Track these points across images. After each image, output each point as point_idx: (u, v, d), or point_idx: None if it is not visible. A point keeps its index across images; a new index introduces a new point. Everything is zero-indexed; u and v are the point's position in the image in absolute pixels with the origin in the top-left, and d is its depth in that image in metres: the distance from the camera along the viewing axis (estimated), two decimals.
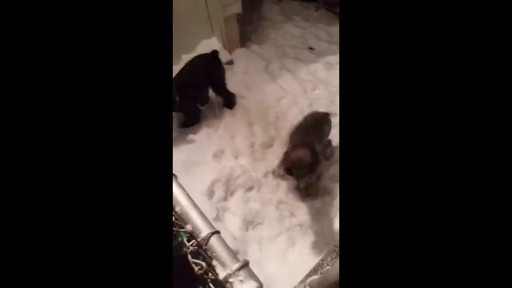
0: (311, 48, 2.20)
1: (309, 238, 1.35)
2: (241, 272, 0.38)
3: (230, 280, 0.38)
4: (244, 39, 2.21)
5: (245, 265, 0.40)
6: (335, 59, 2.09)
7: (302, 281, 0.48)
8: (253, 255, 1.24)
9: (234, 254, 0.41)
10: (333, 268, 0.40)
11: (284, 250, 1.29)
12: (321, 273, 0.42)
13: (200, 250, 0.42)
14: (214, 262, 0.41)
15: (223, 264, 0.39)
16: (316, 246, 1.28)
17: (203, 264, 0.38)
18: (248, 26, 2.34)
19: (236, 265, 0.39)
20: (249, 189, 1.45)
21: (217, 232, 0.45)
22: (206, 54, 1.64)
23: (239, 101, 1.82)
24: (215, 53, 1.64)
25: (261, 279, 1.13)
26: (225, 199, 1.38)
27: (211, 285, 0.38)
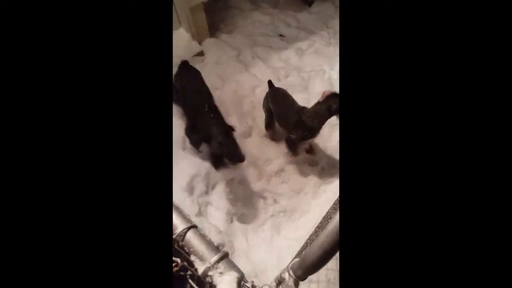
0: (281, 35, 2.18)
1: (294, 222, 1.38)
2: (220, 264, 0.37)
3: (210, 273, 0.37)
4: (213, 29, 2.13)
5: (224, 256, 0.38)
6: (305, 45, 2.09)
7: (287, 266, 0.49)
8: (239, 246, 1.25)
9: (212, 246, 0.40)
10: (311, 249, 0.40)
11: (270, 238, 1.31)
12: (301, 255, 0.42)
13: (176, 247, 0.40)
14: (192, 257, 0.39)
15: (201, 258, 0.38)
16: (300, 229, 1.31)
17: (178, 260, 0.36)
18: (215, 15, 2.26)
19: (214, 258, 0.37)
20: (231, 180, 1.44)
21: (194, 226, 0.43)
22: (188, 69, 1.50)
23: (213, 92, 1.77)
24: (185, 62, 1.53)
25: (249, 268, 1.13)
26: (206, 193, 1.35)
27: (190, 281, 0.36)
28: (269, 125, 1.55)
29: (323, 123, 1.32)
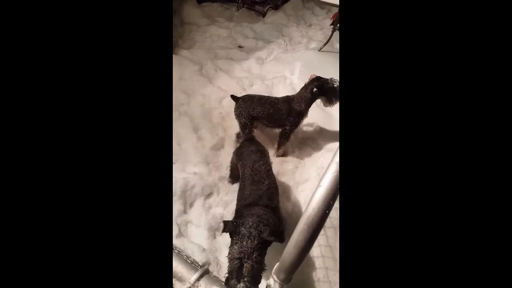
0: (240, 47, 2.24)
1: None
2: (201, 282, 0.36)
3: None
4: (172, 46, 2.12)
5: (204, 273, 0.38)
6: (264, 54, 2.18)
7: (272, 272, 0.49)
8: (226, 261, 1.22)
9: (191, 265, 0.39)
10: (287, 250, 0.41)
11: None
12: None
13: None
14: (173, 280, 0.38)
15: (180, 280, 0.36)
16: (286, 232, 1.32)
17: None
18: (173, 32, 2.25)
19: (194, 276, 0.36)
20: (208, 195, 1.41)
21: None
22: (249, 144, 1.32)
23: (179, 108, 1.74)
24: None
25: None
26: (184, 212, 1.30)
27: None
28: (250, 130, 1.55)
29: (309, 106, 1.44)
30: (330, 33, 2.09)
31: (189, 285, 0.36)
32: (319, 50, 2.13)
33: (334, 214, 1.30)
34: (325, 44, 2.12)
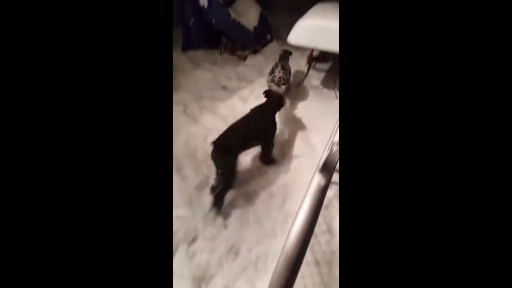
0: (224, 87, 2.34)
1: (270, 266, 1.25)
2: None
3: None
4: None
5: None
6: (247, 92, 2.28)
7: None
8: None
9: None
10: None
11: None
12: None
13: None
14: None
15: None
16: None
17: None
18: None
19: None
20: (193, 240, 1.28)
21: None
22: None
23: None
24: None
25: None
26: None
27: None
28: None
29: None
30: (306, 70, 2.38)
31: None
32: (297, 86, 2.28)
33: (317, 248, 1.19)
34: (303, 79, 2.35)
